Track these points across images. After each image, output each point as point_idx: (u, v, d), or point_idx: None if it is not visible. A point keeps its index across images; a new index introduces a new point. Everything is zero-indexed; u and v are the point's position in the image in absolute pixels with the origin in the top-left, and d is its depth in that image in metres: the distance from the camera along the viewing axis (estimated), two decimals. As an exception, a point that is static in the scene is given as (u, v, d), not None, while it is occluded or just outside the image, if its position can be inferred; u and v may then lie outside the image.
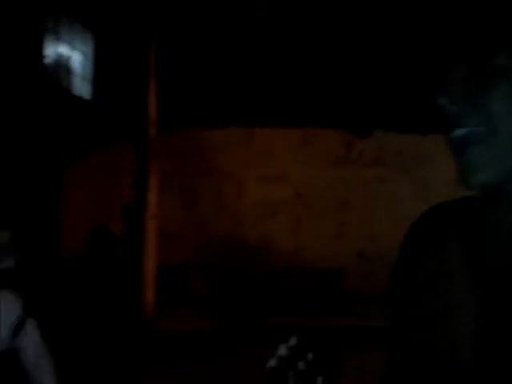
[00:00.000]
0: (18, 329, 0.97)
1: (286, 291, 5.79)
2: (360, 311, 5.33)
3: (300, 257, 6.19)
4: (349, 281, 6.01)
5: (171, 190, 5.94)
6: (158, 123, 5.26)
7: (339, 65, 6.01)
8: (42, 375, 1.02)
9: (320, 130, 6.41)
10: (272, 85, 6.08)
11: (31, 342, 1.00)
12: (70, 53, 5.21)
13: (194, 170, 6.14)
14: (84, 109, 5.22)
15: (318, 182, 6.39)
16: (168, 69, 5.45)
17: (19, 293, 0.99)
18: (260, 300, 5.62)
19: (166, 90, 5.42)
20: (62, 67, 5.02)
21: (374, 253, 6.08)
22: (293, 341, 0.90)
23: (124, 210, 5.22)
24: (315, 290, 5.95)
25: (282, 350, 0.91)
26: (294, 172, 6.39)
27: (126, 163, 5.48)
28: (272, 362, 0.91)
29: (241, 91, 6.04)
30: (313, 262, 6.06)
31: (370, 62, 5.91)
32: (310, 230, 6.35)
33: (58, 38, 4.93)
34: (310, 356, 0.92)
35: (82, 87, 5.42)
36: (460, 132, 0.51)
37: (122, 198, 5.48)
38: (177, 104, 5.82)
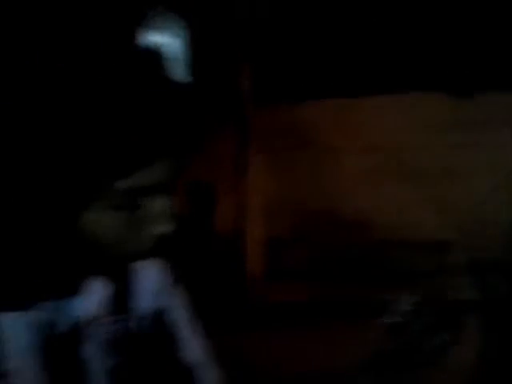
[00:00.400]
0: (165, 293, 1.05)
1: (387, 264, 5.70)
2: (462, 283, 5.14)
3: (402, 229, 6.05)
4: (451, 252, 5.80)
5: (271, 166, 6.01)
6: (255, 101, 5.33)
7: (437, 22, 5.72)
8: (189, 337, 1.10)
9: (421, 94, 6.12)
10: (367, 52, 5.92)
11: (178, 306, 1.06)
12: (166, 39, 5.40)
13: (292, 145, 6.15)
14: (183, 93, 5.38)
15: (421, 150, 6.16)
16: (261, 45, 5.48)
17: (168, 257, 1.06)
18: (361, 273, 5.59)
19: (260, 65, 5.46)
20: (159, 54, 5.21)
21: (480, 222, 5.80)
22: (414, 298, 0.90)
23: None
24: (417, 263, 5.81)
25: (404, 306, 0.91)
26: (394, 141, 6.20)
27: (227, 142, 5.62)
28: (393, 318, 0.92)
29: (335, 62, 5.93)
30: (415, 234, 5.91)
31: (473, 19, 5.57)
32: (413, 201, 6.17)
33: (154, 26, 5.12)
34: (429, 313, 0.92)
35: (178, 72, 5.60)
36: None
37: (224, 177, 5.63)
38: (272, 79, 5.84)
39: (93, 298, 1.01)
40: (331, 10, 5.71)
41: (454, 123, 6.19)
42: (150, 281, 1.11)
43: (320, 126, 6.18)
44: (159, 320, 1.12)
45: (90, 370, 0.98)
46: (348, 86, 6.04)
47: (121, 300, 1.08)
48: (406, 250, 5.74)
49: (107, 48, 0.93)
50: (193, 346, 1.15)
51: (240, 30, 5.27)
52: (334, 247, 5.90)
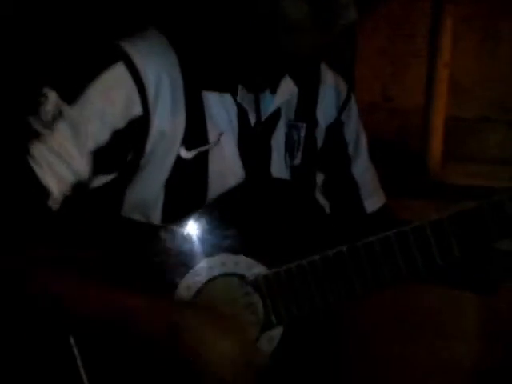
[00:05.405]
0: (345, 103, 1.14)
1: None
2: None
3: None
4: None
5: (468, 37, 5.51)
6: None
7: None
8: (362, 143, 1.18)
9: None
10: None
11: (354, 117, 1.15)
12: None
13: (496, 13, 5.48)
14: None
15: None
16: None
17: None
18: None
19: None
20: None
21: None
22: None
23: None
24: None
25: None
26: None
27: (420, 9, 5.25)
28: None
29: None
30: None
31: None
32: None
33: None
34: None
35: None
36: None
37: (415, 47, 5.34)
38: None
39: (281, 97, 1.11)
40: None
41: None
42: (331, 94, 1.13)
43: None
44: (335, 134, 1.19)
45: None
46: None
47: (303, 106, 1.17)
48: None
49: None
50: (360, 164, 1.18)
51: None
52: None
